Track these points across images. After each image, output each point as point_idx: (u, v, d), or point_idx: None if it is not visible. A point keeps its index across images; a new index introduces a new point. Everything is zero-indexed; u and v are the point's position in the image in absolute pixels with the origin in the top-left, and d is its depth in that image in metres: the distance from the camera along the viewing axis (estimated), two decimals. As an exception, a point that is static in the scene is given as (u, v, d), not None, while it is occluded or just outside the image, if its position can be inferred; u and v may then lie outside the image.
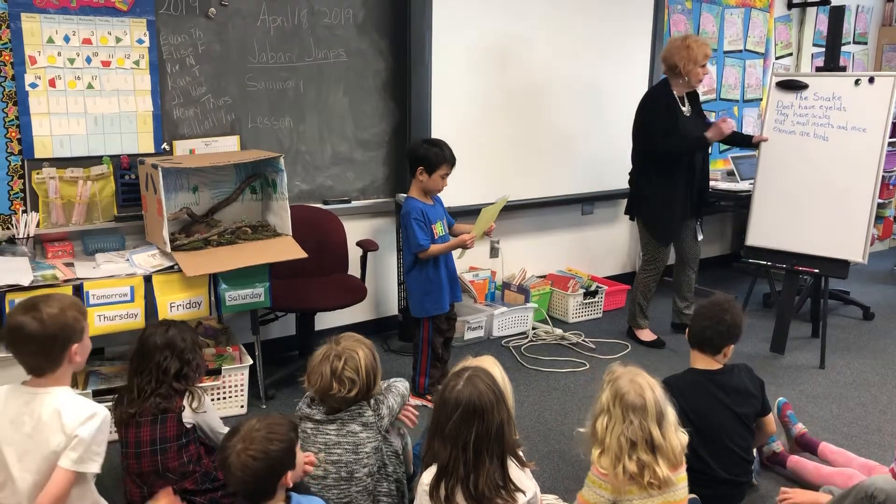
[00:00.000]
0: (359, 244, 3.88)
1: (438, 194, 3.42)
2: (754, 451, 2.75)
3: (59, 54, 3.11)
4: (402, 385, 2.53)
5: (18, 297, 2.69)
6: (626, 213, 4.39)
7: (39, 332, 1.97)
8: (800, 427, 3.05)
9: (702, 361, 2.64)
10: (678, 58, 3.92)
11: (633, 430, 2.11)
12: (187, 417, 2.41)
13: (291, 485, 1.98)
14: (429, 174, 3.27)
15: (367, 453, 2.32)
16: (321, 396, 2.32)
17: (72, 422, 1.98)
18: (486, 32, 4.19)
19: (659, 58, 4.91)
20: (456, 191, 3.43)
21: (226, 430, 2.62)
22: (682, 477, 2.20)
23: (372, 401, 2.37)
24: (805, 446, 2.99)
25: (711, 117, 4.43)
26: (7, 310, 2.68)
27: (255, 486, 1.87)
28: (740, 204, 4.85)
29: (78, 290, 2.82)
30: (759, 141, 4.20)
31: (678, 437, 2.17)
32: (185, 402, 2.41)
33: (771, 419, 2.76)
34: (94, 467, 2.02)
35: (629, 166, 4.20)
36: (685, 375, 2.62)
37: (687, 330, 2.73)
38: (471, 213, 3.71)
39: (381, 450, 2.35)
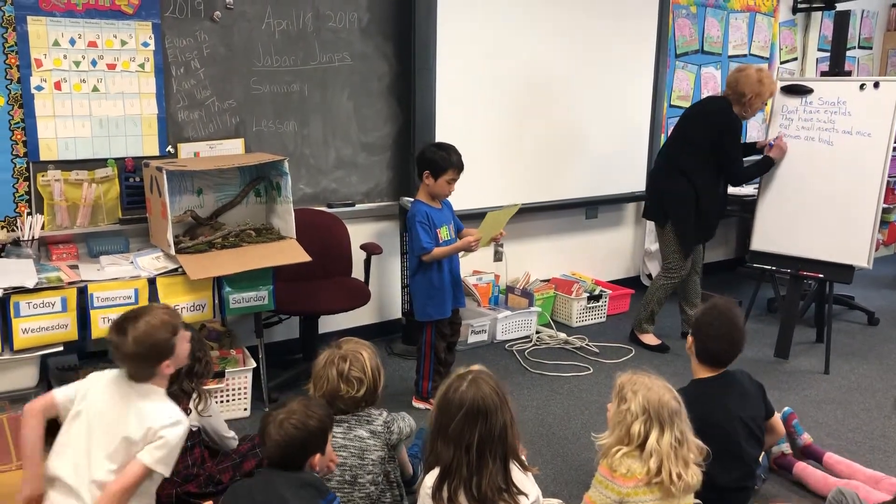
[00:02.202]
0: (363, 247, 3.88)
1: (447, 199, 3.41)
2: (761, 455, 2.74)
3: (65, 57, 3.12)
4: (412, 423, 2.53)
5: (23, 300, 2.70)
6: (648, 217, 4.38)
7: (131, 353, 2.10)
8: (806, 437, 3.03)
9: (704, 371, 2.62)
10: (748, 88, 3.95)
11: (682, 433, 2.14)
12: (192, 420, 2.41)
13: (318, 470, 2.07)
14: (435, 178, 3.27)
15: (373, 461, 2.33)
16: (329, 400, 2.33)
17: (159, 421, 2.07)
18: (490, 37, 4.19)
19: (660, 62, 4.96)
20: (458, 194, 3.42)
21: (231, 433, 2.64)
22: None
23: (385, 413, 2.39)
24: (811, 456, 2.98)
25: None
26: (12, 312, 2.68)
27: (287, 453, 1.99)
28: (745, 208, 4.85)
29: (82, 292, 2.83)
30: (763, 146, 4.20)
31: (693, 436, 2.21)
32: (191, 405, 2.42)
33: (777, 420, 2.75)
34: (168, 470, 2.10)
35: (632, 171, 4.19)
36: (691, 388, 2.57)
37: (690, 342, 2.66)
38: (473, 217, 3.71)
39: (384, 460, 2.37)
